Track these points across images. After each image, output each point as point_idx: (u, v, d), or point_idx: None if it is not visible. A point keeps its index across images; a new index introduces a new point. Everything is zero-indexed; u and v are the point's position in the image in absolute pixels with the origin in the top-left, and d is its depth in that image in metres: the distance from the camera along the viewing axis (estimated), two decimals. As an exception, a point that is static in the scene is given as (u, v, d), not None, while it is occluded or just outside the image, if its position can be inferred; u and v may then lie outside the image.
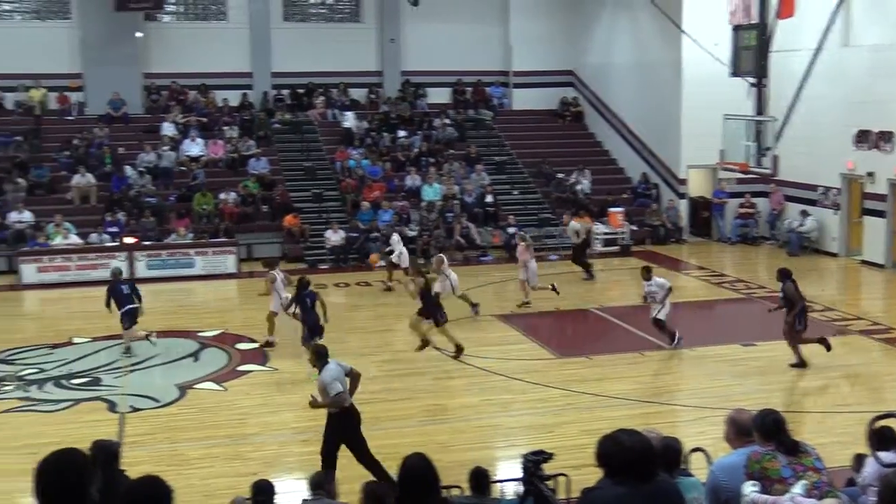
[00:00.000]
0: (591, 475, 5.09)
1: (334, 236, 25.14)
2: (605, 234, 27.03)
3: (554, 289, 20.14)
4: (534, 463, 5.69)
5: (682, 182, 28.31)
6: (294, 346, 17.09)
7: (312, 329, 15.92)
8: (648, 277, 16.61)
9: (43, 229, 24.14)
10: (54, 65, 29.18)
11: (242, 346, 17.33)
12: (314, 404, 10.78)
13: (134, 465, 11.01)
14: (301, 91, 31.57)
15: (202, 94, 30.57)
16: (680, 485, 5.16)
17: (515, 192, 29.09)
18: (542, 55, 32.58)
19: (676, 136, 27.81)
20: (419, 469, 5.33)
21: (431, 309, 16.40)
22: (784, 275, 15.63)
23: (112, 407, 14.12)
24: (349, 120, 30.20)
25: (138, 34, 29.80)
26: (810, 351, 15.50)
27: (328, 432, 10.63)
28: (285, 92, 31.48)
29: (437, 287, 18.66)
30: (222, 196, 26.32)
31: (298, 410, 14.03)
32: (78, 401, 14.46)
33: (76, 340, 17.73)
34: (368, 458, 10.51)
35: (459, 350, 16.15)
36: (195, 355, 16.81)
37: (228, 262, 23.81)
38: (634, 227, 27.57)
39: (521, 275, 20.48)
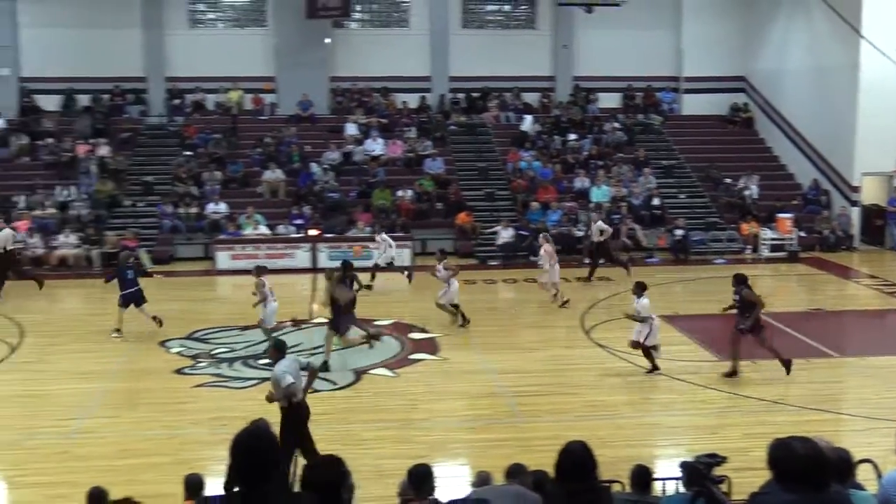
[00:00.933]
0: (754, 479, 4.88)
1: (504, 233, 25.17)
2: (773, 239, 25.96)
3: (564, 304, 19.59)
4: (707, 465, 5.48)
5: (855, 189, 26.92)
6: (463, 337, 17.22)
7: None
8: (640, 294, 15.01)
9: (236, 220, 25.18)
10: (250, 68, 30.40)
11: (415, 335, 17.55)
12: (269, 398, 10.73)
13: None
14: (476, 95, 31.75)
15: (384, 97, 31.19)
16: (853, 497, 4.86)
17: (682, 196, 28.37)
18: (713, 60, 31.63)
19: (850, 143, 26.46)
20: (578, 454, 5.22)
21: (336, 318, 15.69)
22: (739, 280, 14.77)
23: (293, 387, 14.53)
24: (527, 123, 30.15)
25: (327, 40, 30.68)
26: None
27: (283, 430, 10.26)
28: (461, 95, 31.74)
29: (438, 296, 18.18)
30: (399, 193, 26.80)
31: (467, 399, 14.13)
32: (263, 380, 14.92)
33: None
34: (314, 454, 10.27)
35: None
36: (370, 342, 17.12)
37: (404, 256, 24.15)
38: (803, 234, 26.40)
39: (542, 277, 20.14)
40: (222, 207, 25.83)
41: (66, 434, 12.56)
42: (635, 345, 14.97)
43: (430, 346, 16.83)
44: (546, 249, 20.23)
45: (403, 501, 7.24)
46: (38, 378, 15.11)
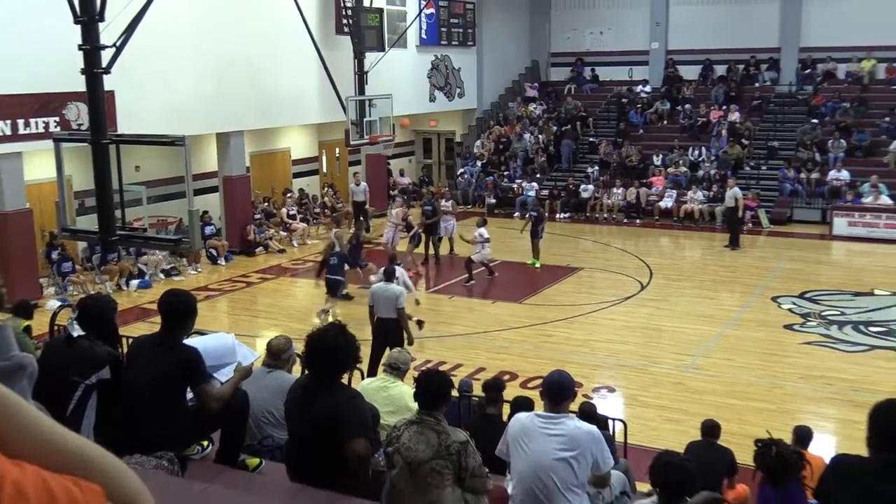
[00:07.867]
0: None
1: None
2: None
3: None
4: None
5: None
6: None
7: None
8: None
9: (857, 187, 23.76)
10: (889, 37, 28.05)
11: None
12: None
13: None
14: None
15: None
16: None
17: None
18: None
19: None
20: None
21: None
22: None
23: (907, 358, 13.50)
24: None
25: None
26: None
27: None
28: None
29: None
30: None
31: None
32: (872, 347, 14.12)
33: (877, 292, 17.24)
34: None
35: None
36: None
37: None
38: None
39: None
40: (844, 175, 24.51)
41: (681, 367, 13.23)
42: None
43: None
44: None
45: None
46: (661, 314, 16.06)
